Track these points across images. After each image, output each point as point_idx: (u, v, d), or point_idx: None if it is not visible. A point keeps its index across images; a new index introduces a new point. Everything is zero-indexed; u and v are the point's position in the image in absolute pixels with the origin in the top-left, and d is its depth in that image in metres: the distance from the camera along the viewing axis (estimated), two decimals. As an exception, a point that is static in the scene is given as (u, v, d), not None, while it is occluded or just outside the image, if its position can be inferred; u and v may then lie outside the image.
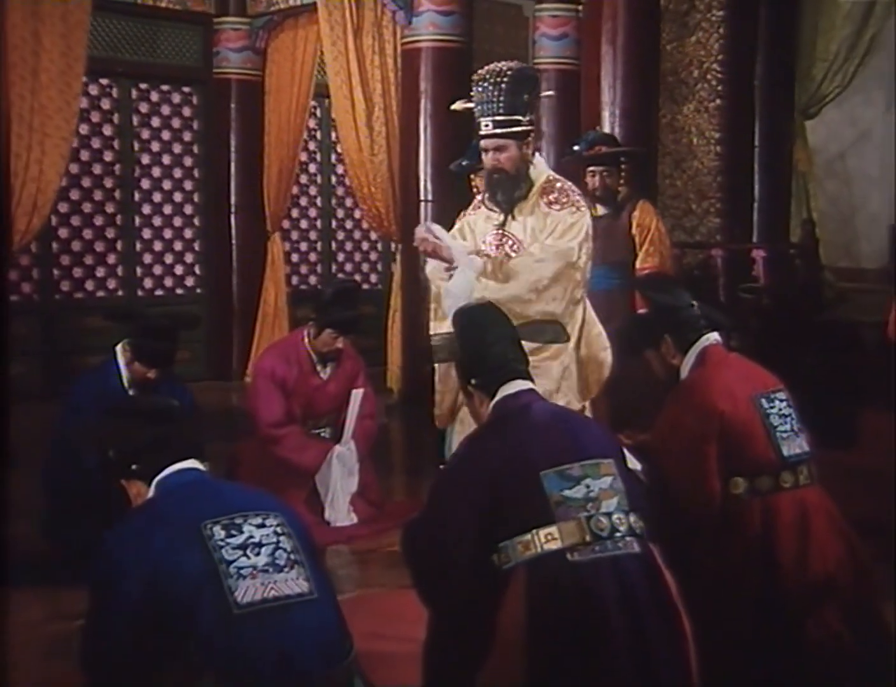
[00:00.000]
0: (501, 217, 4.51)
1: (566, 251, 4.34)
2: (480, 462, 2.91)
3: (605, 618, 2.66)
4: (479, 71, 4.44)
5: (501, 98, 4.34)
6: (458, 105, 4.64)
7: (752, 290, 7.34)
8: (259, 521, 2.65)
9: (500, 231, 4.50)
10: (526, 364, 3.17)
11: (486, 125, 4.38)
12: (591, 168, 6.21)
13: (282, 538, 2.64)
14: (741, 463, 3.47)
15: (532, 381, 3.14)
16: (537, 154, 4.64)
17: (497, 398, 3.05)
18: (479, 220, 4.65)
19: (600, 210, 6.21)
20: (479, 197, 4.80)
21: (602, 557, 2.73)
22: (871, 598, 3.50)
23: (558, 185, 4.56)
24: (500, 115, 4.36)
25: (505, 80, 4.34)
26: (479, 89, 4.39)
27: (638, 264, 6.14)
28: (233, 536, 2.59)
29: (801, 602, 3.36)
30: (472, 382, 3.12)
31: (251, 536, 2.61)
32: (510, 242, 4.45)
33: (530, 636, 2.67)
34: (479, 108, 4.40)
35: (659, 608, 2.75)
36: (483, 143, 4.47)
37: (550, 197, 4.47)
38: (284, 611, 2.55)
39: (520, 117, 4.39)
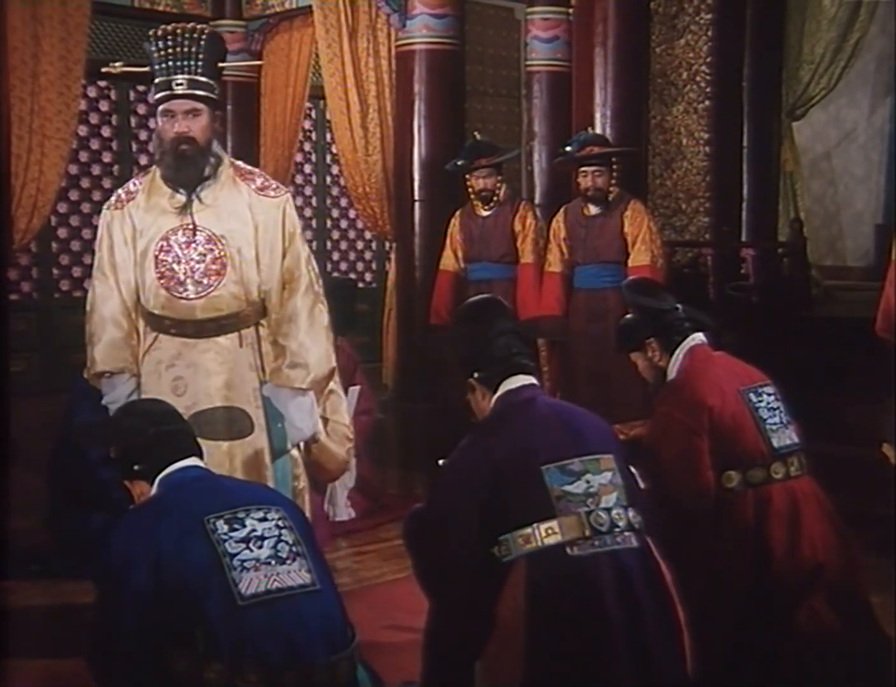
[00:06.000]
0: (181, 205, 3.69)
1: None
2: (483, 455, 2.89)
3: (603, 610, 2.69)
4: (160, 28, 3.66)
5: (201, 56, 3.62)
6: (115, 67, 3.79)
7: (742, 288, 7.40)
8: (261, 514, 2.68)
9: (188, 225, 3.67)
10: (530, 358, 3.12)
11: (180, 84, 3.60)
12: (584, 168, 6.21)
13: (283, 531, 2.66)
14: (733, 456, 3.50)
15: (535, 376, 3.10)
16: None
17: (500, 393, 3.01)
18: (143, 218, 3.75)
19: (592, 210, 6.26)
20: (120, 191, 3.87)
21: (601, 552, 2.75)
22: (859, 586, 3.53)
23: (252, 169, 3.90)
24: (198, 75, 3.62)
25: (203, 38, 3.64)
26: (169, 43, 3.62)
27: (630, 263, 6.14)
28: (236, 529, 2.61)
29: (793, 590, 3.40)
30: (476, 375, 3.07)
31: (254, 530, 2.63)
32: (204, 238, 3.67)
33: (529, 626, 2.70)
34: (168, 64, 3.62)
35: (656, 601, 2.77)
36: (169, 105, 3.64)
37: (257, 183, 3.77)
38: (288, 601, 2.57)
39: (214, 84, 3.70)
